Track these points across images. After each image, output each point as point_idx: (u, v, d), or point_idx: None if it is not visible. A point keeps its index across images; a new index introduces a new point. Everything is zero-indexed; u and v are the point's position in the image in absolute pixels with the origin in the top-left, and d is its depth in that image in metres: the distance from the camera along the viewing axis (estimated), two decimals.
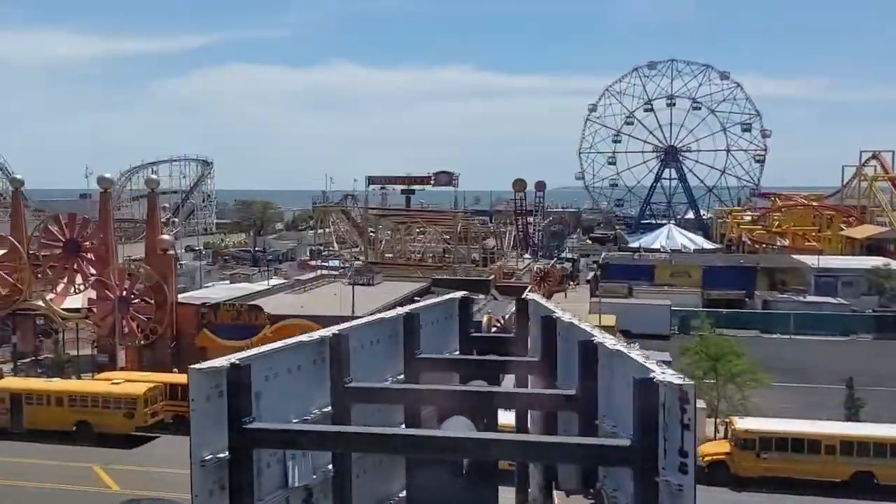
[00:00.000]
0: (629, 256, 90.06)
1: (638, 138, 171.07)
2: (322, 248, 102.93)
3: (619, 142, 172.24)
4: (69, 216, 53.87)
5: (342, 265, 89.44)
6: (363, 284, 65.98)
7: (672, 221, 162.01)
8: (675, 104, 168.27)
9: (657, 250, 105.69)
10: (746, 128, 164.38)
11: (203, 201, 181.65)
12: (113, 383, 41.39)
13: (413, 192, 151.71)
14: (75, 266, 52.29)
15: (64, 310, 53.05)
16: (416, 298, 56.56)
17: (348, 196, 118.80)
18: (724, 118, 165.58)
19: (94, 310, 51.94)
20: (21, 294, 52.91)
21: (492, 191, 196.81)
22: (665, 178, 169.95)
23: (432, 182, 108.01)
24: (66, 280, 52.37)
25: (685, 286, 76.10)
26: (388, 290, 63.92)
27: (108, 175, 56.06)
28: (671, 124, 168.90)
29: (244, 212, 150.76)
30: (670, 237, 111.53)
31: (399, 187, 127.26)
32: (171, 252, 53.02)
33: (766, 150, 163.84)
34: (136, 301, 51.11)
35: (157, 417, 40.96)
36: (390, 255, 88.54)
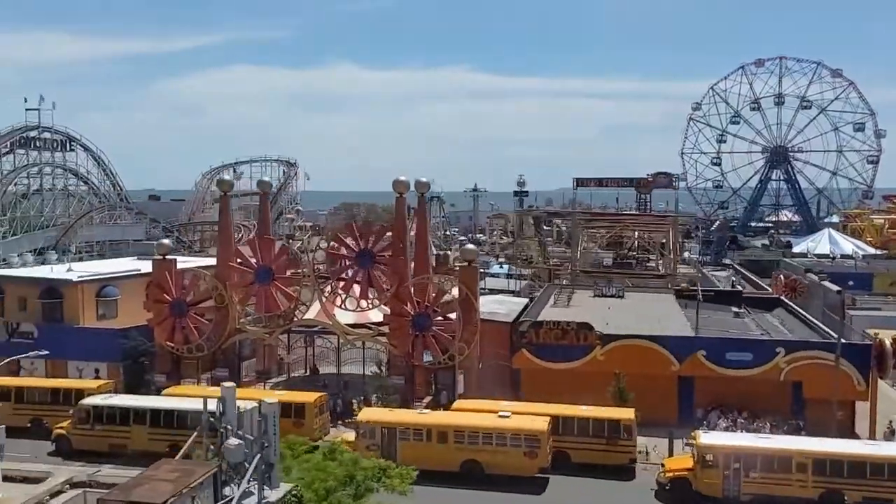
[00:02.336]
0: (831, 264, 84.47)
1: (744, 138, 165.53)
2: (498, 256, 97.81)
3: (724, 142, 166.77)
4: (363, 224, 48.58)
5: (514, 273, 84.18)
6: (612, 296, 60.86)
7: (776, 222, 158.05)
8: (783, 103, 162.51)
9: (827, 256, 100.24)
10: (859, 128, 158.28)
11: (291, 204, 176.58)
12: (500, 416, 36.15)
13: (526, 193, 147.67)
14: (368, 279, 46.93)
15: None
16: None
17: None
18: (836, 118, 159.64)
19: (390, 327, 46.88)
20: (303, 309, 47.67)
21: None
22: (773, 180, 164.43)
23: (650, 183, 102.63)
24: (357, 294, 46.97)
25: None
26: (648, 303, 58.68)
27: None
28: (779, 124, 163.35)
29: (344, 214, 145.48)
30: (833, 242, 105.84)
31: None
32: (476, 264, 47.75)
33: (880, 150, 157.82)
34: (438, 318, 45.96)
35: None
36: (562, 263, 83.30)
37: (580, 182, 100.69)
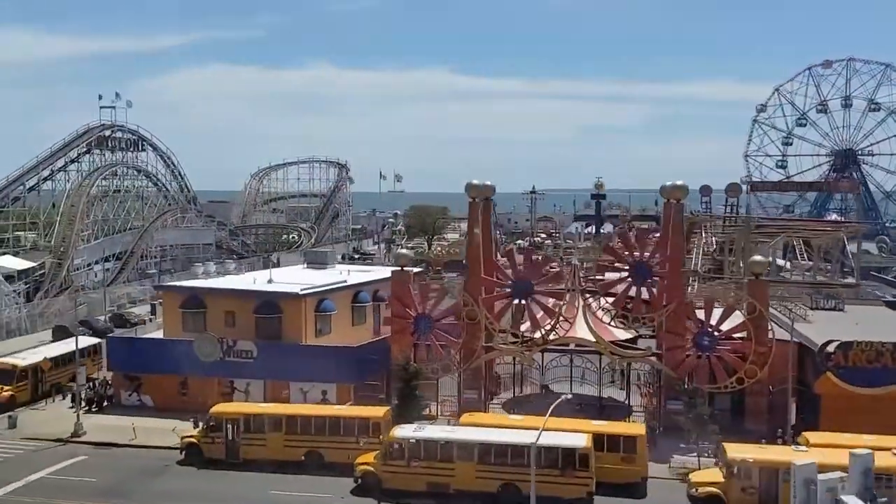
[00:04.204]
0: None
1: (811, 141, 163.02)
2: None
3: (790, 144, 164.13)
4: (637, 231, 44.60)
5: None
6: (832, 309, 57.01)
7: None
8: (851, 105, 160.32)
9: None
10: None
11: (345, 206, 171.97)
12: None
13: (604, 196, 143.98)
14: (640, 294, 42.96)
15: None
16: None
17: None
18: None
19: (665, 346, 42.99)
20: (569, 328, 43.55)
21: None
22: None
23: (830, 187, 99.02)
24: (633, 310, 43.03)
25: None
26: (880, 316, 55.04)
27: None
28: (847, 126, 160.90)
29: (414, 217, 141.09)
30: None
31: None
32: (763, 277, 43.88)
33: None
34: (722, 338, 42.12)
35: None
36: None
37: (755, 186, 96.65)
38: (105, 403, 48.46)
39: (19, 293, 75.87)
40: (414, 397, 40.78)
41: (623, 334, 45.21)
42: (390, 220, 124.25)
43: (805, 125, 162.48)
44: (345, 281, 51.82)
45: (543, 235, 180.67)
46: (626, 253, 42.98)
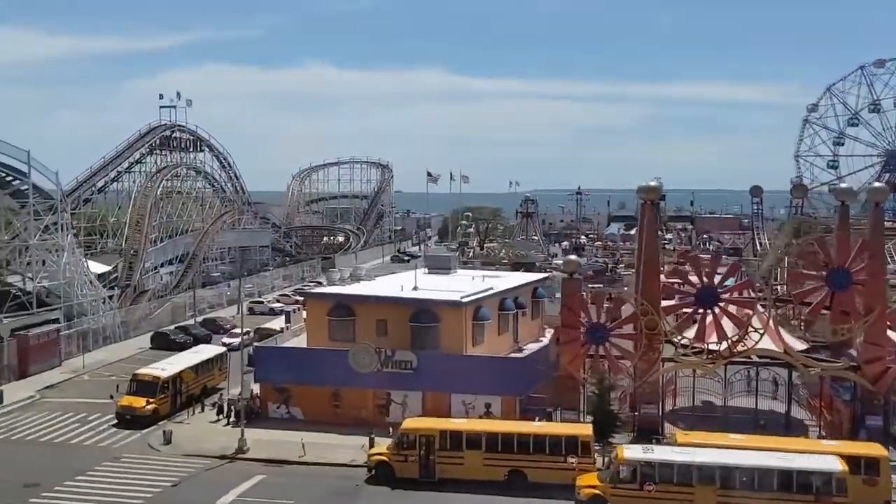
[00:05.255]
0: None
1: (863, 141, 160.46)
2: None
3: (842, 144, 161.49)
4: (838, 238, 42.35)
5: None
6: None
7: None
8: None
9: None
10: None
11: (390, 207, 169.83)
12: None
13: (663, 197, 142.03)
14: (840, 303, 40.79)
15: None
16: None
17: None
18: None
19: (863, 358, 40.77)
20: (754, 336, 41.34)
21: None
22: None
23: None
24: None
25: None
26: None
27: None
28: None
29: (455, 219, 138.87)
30: None
31: None
32: None
33: None
34: None
35: None
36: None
37: None
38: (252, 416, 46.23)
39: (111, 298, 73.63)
40: (610, 413, 38.60)
41: (798, 344, 43.12)
42: (425, 218, 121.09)
43: (857, 125, 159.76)
44: (491, 288, 49.52)
45: (583, 237, 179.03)
46: (823, 259, 40.82)
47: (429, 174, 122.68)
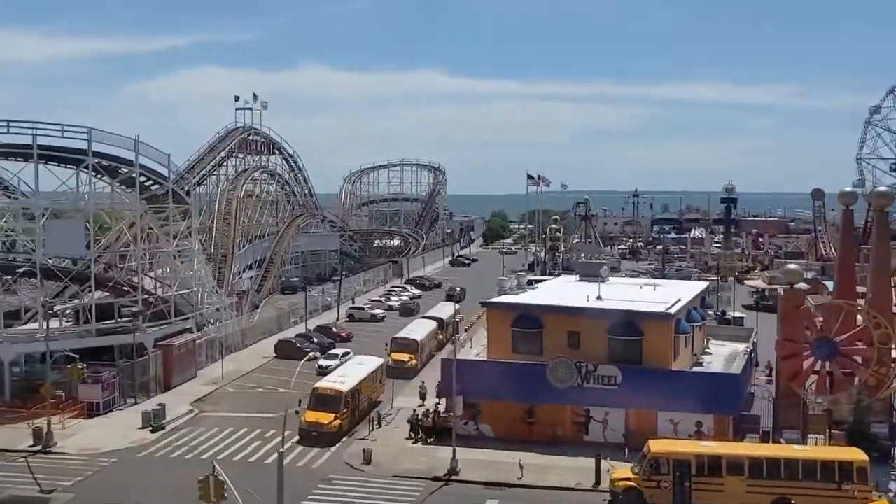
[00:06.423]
0: None
1: None
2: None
3: None
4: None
5: None
6: None
7: None
8: None
9: None
10: None
11: (444, 209, 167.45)
12: None
13: (735, 200, 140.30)
14: None
15: None
16: None
17: None
18: None
19: None
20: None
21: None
22: None
23: None
24: None
25: None
26: None
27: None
28: None
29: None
30: None
31: None
32: None
33: None
34: None
35: None
36: None
37: None
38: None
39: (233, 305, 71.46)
40: (869, 435, 36.20)
41: None
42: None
43: None
44: (680, 300, 47.12)
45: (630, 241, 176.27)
46: None
47: (529, 177, 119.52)
